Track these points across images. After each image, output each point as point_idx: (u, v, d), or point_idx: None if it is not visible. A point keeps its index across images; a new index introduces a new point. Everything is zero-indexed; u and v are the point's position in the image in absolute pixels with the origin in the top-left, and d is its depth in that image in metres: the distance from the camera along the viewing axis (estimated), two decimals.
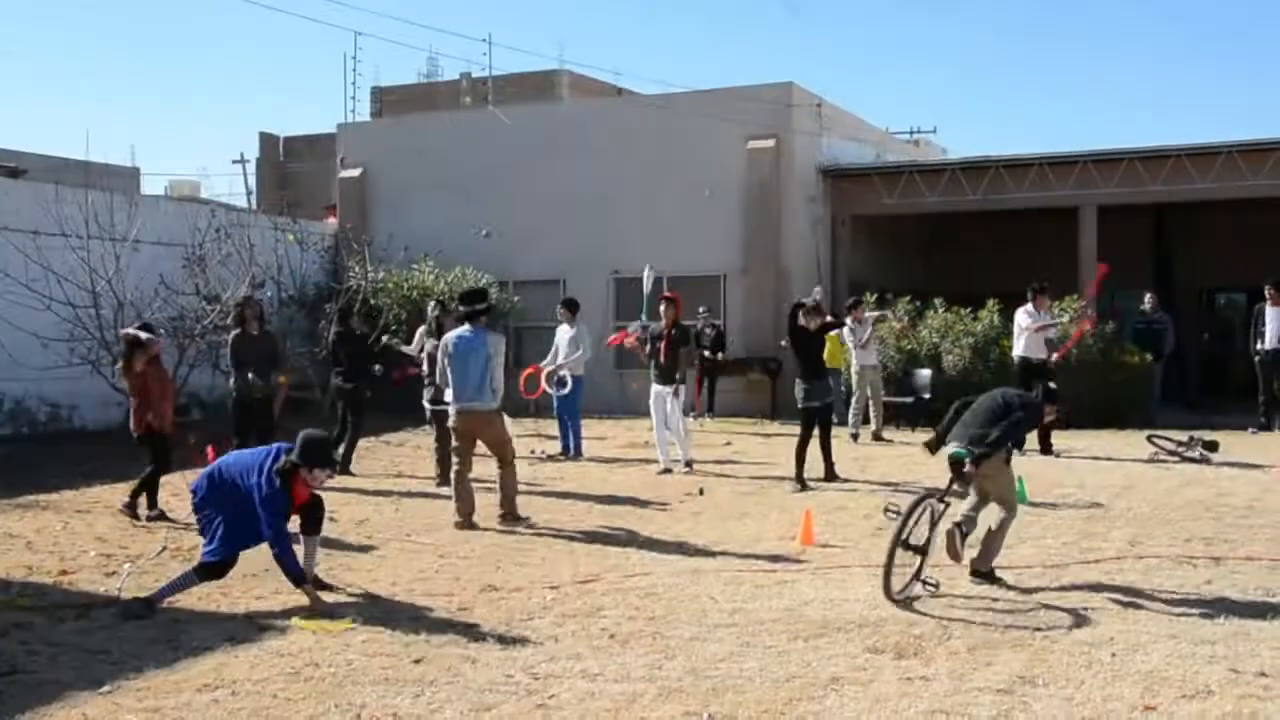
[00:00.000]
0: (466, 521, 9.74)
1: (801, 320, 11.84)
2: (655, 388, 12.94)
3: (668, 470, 12.78)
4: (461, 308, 10.01)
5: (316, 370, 17.07)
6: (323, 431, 7.60)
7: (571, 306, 14.64)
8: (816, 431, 11.82)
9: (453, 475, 9.92)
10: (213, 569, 7.09)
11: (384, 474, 13.18)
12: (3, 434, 15.71)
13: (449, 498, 10.26)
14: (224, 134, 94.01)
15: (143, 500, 10.24)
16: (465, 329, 9.83)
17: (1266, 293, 15.93)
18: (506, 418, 10.47)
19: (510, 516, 9.80)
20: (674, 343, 12.78)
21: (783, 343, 11.62)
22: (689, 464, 12.89)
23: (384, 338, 15.33)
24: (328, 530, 9.62)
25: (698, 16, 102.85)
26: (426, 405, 12.24)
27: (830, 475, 11.92)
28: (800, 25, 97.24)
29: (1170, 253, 22.38)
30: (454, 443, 9.97)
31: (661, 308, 13.09)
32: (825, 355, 12.49)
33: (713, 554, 8.56)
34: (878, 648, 6.09)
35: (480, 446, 9.98)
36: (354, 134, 24.29)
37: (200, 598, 7.27)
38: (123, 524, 10.00)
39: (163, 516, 10.14)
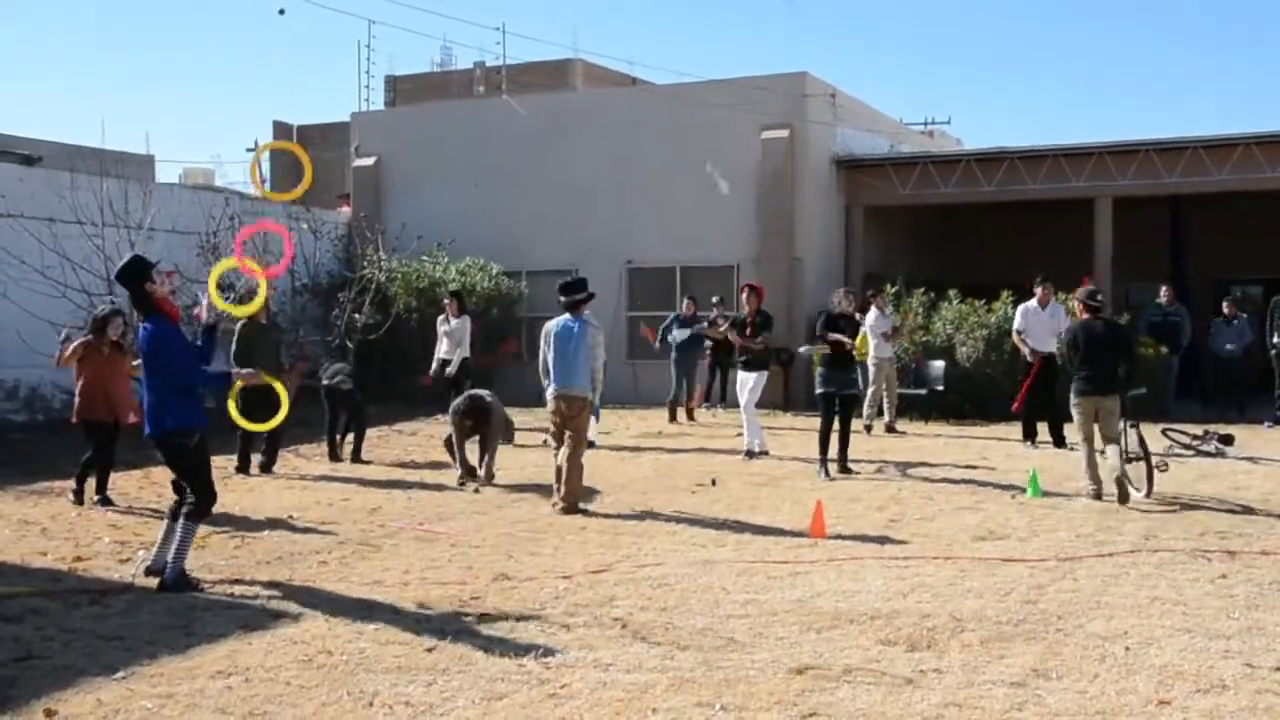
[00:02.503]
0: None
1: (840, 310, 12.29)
2: (740, 374, 13.31)
3: (765, 453, 13.11)
4: (563, 298, 10.30)
5: (330, 358, 17.11)
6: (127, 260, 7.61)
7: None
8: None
9: (554, 455, 10.31)
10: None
11: (396, 463, 13.21)
12: (19, 420, 15.79)
13: (458, 488, 10.23)
14: (238, 122, 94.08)
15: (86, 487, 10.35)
16: (567, 317, 10.18)
17: None
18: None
19: (570, 508, 9.88)
20: (758, 330, 13.08)
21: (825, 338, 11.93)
22: (749, 454, 13.02)
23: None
24: (339, 520, 9.69)
25: (711, 6, 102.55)
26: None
27: (843, 465, 11.95)
28: (814, 15, 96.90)
29: (1186, 245, 22.25)
30: (551, 425, 10.38)
31: (744, 296, 13.43)
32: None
33: (725, 544, 8.56)
34: (890, 639, 6.08)
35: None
36: (368, 123, 24.30)
37: (214, 585, 7.30)
38: (136, 511, 10.05)
39: (108, 502, 10.23)
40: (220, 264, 8.86)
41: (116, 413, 10.34)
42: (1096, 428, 10.33)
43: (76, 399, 10.34)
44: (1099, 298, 10.84)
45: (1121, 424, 10.42)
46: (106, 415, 10.27)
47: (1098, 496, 10.10)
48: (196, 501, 7.33)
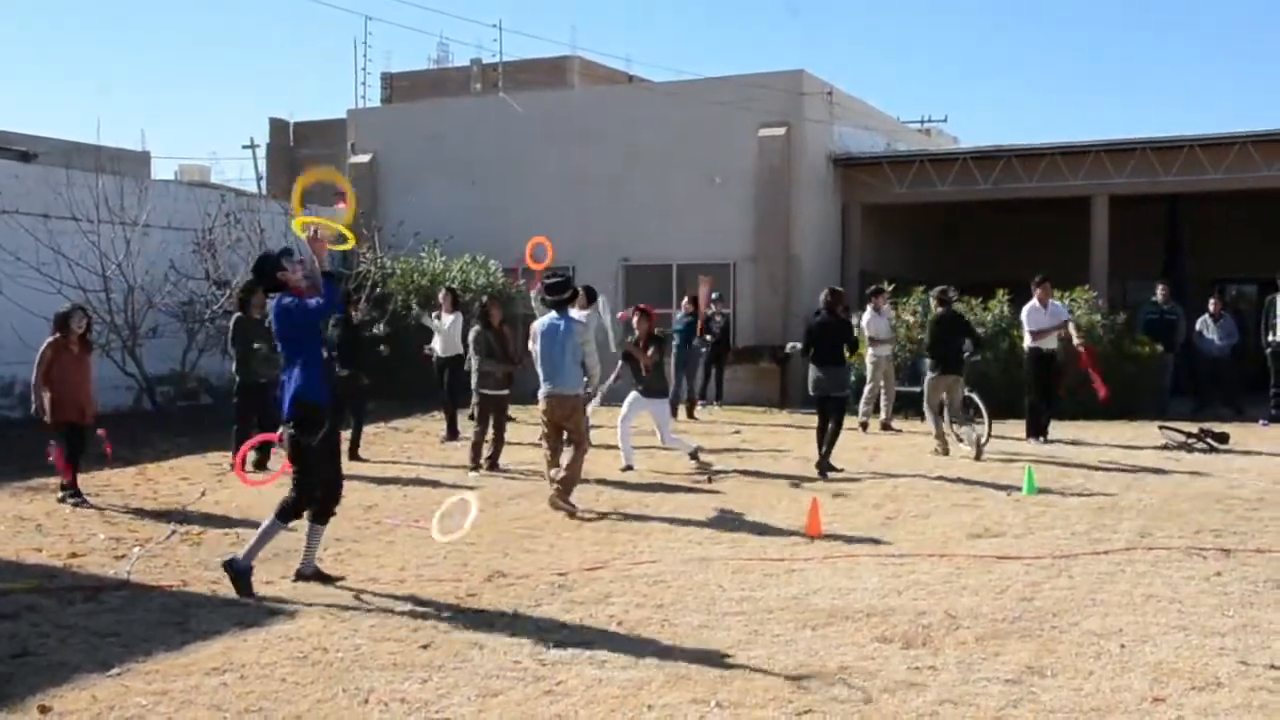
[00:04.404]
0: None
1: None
2: (633, 394, 12.36)
3: (629, 467, 12.20)
4: (548, 297, 10.22)
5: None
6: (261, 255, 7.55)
7: (590, 295, 14.15)
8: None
9: (544, 458, 10.26)
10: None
11: (392, 460, 13.20)
12: (14, 417, 15.74)
13: (467, 486, 10.22)
14: (234, 119, 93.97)
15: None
16: (553, 315, 10.09)
17: (1279, 283, 15.86)
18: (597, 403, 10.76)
19: (562, 498, 9.79)
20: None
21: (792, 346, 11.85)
22: (694, 455, 12.37)
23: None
24: (335, 517, 9.66)
25: (708, 4, 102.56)
26: (474, 391, 12.37)
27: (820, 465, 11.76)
28: (811, 14, 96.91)
29: (1182, 243, 22.27)
30: (543, 428, 10.23)
31: (635, 319, 12.48)
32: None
33: (721, 542, 8.56)
34: (886, 637, 6.08)
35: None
36: (364, 120, 24.28)
37: (209, 581, 7.29)
38: (131, 508, 10.04)
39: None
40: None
41: (84, 412, 10.34)
42: (944, 399, 12.88)
43: (48, 400, 10.17)
44: (949, 294, 13.19)
45: (962, 391, 12.84)
46: (76, 416, 10.25)
47: (945, 453, 12.73)
48: (292, 496, 7.15)
